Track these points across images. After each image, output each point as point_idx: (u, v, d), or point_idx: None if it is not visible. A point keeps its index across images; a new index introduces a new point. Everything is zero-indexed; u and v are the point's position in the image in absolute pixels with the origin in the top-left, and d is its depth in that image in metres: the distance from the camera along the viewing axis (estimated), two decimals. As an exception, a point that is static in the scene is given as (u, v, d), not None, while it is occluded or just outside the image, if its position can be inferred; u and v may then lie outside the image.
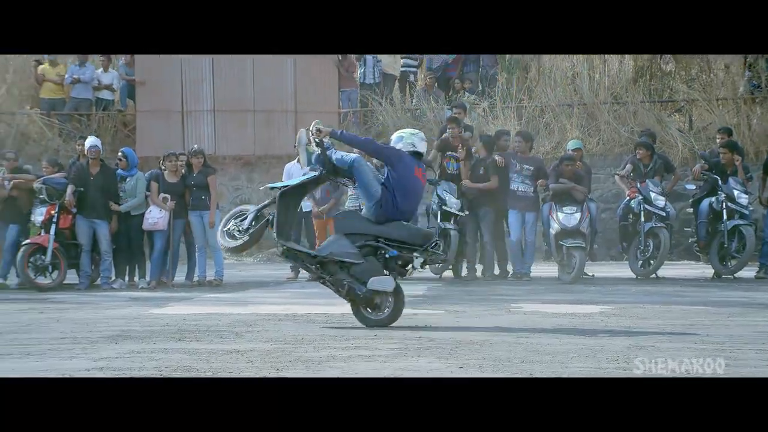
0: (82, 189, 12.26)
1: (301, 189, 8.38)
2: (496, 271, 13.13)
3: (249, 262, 16.75)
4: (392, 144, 8.11)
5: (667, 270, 13.03)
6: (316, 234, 13.02)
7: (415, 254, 7.78)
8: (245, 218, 8.30)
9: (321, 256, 7.93)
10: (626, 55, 18.26)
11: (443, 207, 12.75)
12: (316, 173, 8.09)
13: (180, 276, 12.78)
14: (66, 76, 18.14)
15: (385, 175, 7.90)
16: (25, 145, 17.40)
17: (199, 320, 8.41)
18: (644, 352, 6.15)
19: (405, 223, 7.91)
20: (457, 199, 12.81)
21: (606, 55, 18.32)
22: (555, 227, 12.32)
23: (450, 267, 12.99)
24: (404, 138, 8.07)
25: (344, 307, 9.24)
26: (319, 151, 7.96)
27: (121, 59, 18.60)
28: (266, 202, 8.36)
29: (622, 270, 13.28)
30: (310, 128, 8.04)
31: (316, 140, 7.94)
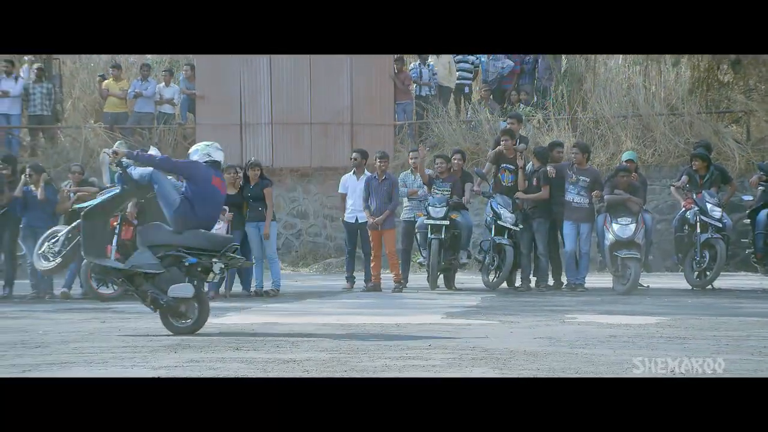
0: (143, 201, 12.46)
1: (107, 206, 8.72)
2: (551, 281, 13.12)
3: (305, 273, 16.90)
4: (190, 157, 8.55)
5: (724, 281, 12.90)
6: (372, 244, 13.16)
7: (214, 260, 8.13)
8: (57, 240, 8.68)
9: (125, 269, 8.28)
10: (683, 66, 18.12)
11: (497, 221, 12.77)
12: (118, 190, 8.57)
13: (237, 286, 12.97)
14: (129, 90, 18.52)
15: (184, 187, 8.31)
16: (89, 159, 17.74)
17: (257, 330, 8.54)
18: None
19: (203, 231, 8.24)
20: (512, 212, 12.82)
21: (662, 66, 18.19)
22: (610, 238, 12.28)
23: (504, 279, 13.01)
24: (200, 150, 8.56)
25: (399, 318, 9.32)
26: (120, 171, 8.43)
27: (182, 74, 18.94)
28: (74, 223, 8.74)
29: (678, 281, 13.18)
30: (109, 150, 8.67)
31: (116, 161, 8.41)
